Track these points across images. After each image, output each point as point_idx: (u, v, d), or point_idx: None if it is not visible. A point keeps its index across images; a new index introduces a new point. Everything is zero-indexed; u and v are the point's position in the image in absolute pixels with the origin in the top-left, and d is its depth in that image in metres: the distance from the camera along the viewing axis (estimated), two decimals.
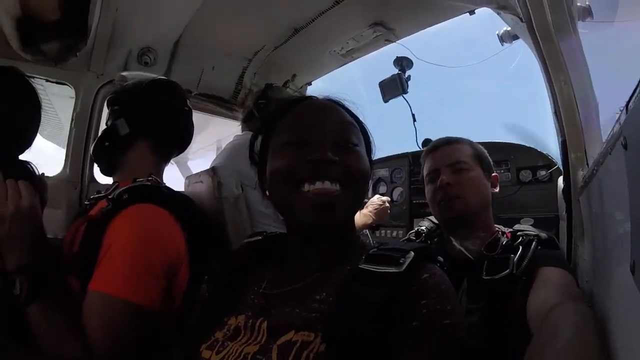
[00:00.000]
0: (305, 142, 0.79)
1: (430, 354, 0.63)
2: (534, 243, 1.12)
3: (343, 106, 0.89)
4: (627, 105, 0.55)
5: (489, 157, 1.41)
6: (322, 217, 0.75)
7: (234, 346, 0.74)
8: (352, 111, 0.90)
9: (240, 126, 2.15)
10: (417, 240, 1.43)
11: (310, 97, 0.92)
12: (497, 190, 1.39)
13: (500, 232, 1.28)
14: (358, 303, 0.65)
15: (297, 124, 0.82)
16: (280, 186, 0.79)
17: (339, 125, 0.82)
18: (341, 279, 0.75)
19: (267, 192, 0.87)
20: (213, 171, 1.61)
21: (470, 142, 1.39)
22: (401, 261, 0.70)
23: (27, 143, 1.32)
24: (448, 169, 1.31)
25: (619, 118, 0.60)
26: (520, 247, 1.11)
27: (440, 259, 0.81)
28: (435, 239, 1.43)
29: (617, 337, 0.61)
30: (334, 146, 0.78)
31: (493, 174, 1.38)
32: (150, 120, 1.30)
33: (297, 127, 0.81)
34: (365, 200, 2.10)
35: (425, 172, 1.40)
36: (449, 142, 1.38)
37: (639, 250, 0.48)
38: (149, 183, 1.20)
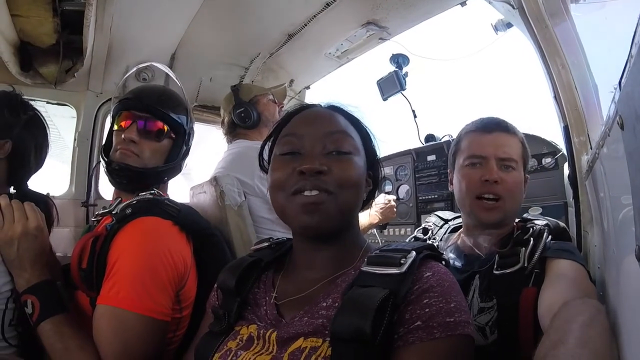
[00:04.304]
0: (298, 152, 0.83)
1: (434, 354, 0.64)
2: (544, 234, 1.08)
3: (343, 111, 0.91)
4: (620, 83, 0.53)
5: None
6: (310, 218, 0.78)
7: (246, 355, 0.75)
8: (354, 115, 0.92)
9: (225, 138, 2.13)
10: (425, 237, 1.40)
11: (309, 106, 0.93)
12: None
13: (516, 227, 1.20)
14: (361, 305, 0.65)
15: (291, 134, 0.86)
16: (276, 195, 0.82)
17: (329, 135, 0.83)
18: (346, 284, 0.76)
19: None
20: (215, 181, 1.61)
21: (521, 137, 1.22)
22: (402, 261, 0.70)
23: (34, 168, 1.36)
24: (497, 162, 1.16)
25: (614, 97, 0.59)
26: (532, 240, 1.08)
27: (445, 257, 0.81)
28: (445, 235, 1.40)
29: (625, 329, 0.60)
30: (324, 155, 0.81)
31: (526, 175, 1.24)
32: None
33: (290, 138, 0.85)
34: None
35: (466, 152, 1.22)
36: (506, 129, 1.20)
37: None
38: (151, 196, 1.20)
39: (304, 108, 0.93)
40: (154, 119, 1.27)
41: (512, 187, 1.16)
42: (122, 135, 1.25)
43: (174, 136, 1.31)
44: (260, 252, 0.96)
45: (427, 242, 1.35)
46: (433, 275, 0.71)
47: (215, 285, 0.95)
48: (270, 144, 0.93)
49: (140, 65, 1.70)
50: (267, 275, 0.90)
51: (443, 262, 0.79)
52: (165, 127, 1.29)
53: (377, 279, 0.70)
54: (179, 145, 1.32)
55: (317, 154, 0.81)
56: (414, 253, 0.72)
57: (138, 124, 1.26)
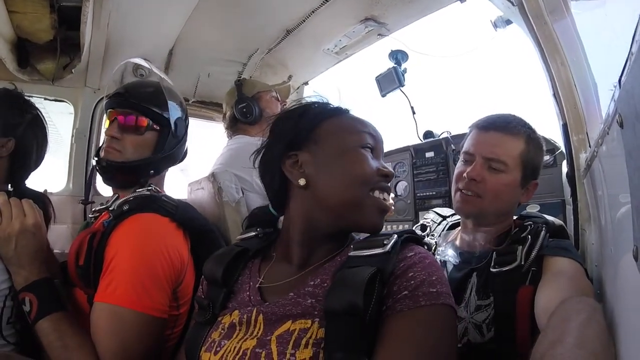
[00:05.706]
0: (374, 151, 0.89)
1: (419, 320, 0.68)
2: (542, 232, 1.07)
3: None
4: (619, 81, 0.53)
5: (540, 160, 1.21)
6: (381, 220, 0.86)
7: (231, 344, 0.76)
8: None
9: (226, 133, 2.12)
10: (424, 233, 1.40)
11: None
12: (528, 199, 1.24)
13: (514, 224, 1.18)
14: (351, 281, 0.70)
15: (369, 134, 0.90)
16: (355, 188, 0.84)
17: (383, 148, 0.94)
18: (335, 268, 0.79)
19: (303, 182, 0.86)
20: (213, 177, 1.61)
21: (528, 137, 1.17)
22: (385, 242, 0.76)
23: (33, 166, 1.36)
24: (483, 161, 1.15)
25: (613, 95, 0.59)
26: (529, 237, 1.07)
27: (427, 241, 0.86)
28: (443, 231, 1.40)
29: (623, 328, 0.60)
30: None
31: (534, 181, 1.20)
32: None
33: (370, 136, 0.90)
34: None
35: (464, 147, 1.23)
36: (503, 129, 1.17)
37: None
38: (149, 193, 1.20)
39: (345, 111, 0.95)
40: (132, 113, 1.27)
41: (494, 188, 1.14)
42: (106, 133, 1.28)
43: (157, 128, 1.31)
44: (247, 241, 0.97)
45: (426, 238, 1.35)
46: (415, 255, 0.77)
47: (202, 278, 0.96)
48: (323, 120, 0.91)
49: (121, 64, 1.70)
50: (254, 263, 0.92)
51: (425, 246, 0.85)
52: (146, 120, 1.28)
53: (363, 260, 0.75)
54: (165, 137, 1.32)
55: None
56: (395, 236, 0.78)
57: (118, 120, 1.27)
